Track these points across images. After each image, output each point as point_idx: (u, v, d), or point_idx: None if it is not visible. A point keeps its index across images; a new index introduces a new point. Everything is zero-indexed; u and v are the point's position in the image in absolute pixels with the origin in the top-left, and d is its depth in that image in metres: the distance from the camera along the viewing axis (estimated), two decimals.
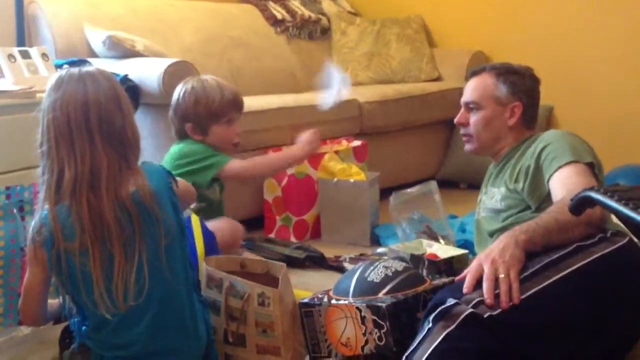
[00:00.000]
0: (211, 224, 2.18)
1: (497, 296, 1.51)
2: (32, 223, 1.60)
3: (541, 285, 1.52)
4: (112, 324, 1.58)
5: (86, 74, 1.61)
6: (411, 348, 1.49)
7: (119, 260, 1.56)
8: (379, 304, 1.64)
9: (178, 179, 1.75)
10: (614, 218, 1.68)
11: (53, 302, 1.75)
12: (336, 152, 3.12)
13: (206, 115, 2.32)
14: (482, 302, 1.49)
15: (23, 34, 3.10)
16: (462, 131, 2.16)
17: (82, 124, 1.56)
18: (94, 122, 1.56)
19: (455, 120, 2.17)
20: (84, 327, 1.63)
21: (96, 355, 1.62)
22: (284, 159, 2.51)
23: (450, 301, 1.48)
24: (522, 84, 2.11)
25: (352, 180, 2.98)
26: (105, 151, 1.56)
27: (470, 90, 2.14)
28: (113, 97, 1.61)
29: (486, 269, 1.52)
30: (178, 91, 2.38)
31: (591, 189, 1.43)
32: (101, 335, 1.61)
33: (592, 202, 1.42)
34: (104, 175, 1.55)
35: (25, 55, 2.55)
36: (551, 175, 1.88)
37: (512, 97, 2.09)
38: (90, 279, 1.56)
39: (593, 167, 1.86)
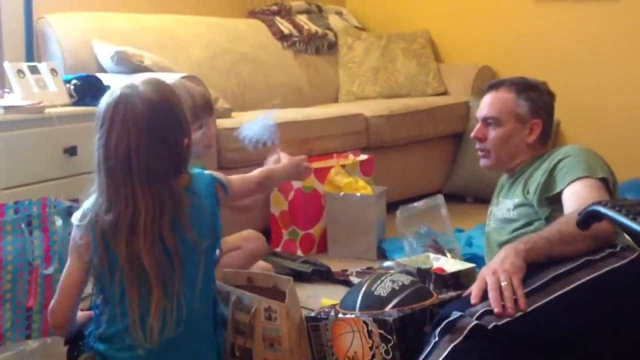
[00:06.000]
0: (236, 236, 2.13)
1: (504, 306, 1.50)
2: (75, 215, 1.60)
3: (548, 298, 1.52)
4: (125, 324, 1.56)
5: (131, 115, 1.52)
6: None
7: (157, 298, 1.54)
8: (386, 318, 1.64)
9: (229, 177, 1.72)
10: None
11: (80, 314, 1.73)
12: (343, 166, 3.12)
13: None
14: (486, 312, 1.48)
15: (32, 49, 3.11)
16: (478, 146, 2.13)
17: (125, 171, 1.53)
18: (134, 169, 1.52)
19: (472, 134, 2.13)
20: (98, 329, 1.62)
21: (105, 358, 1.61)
22: None
23: (455, 314, 1.48)
24: (541, 101, 2.08)
25: (358, 194, 2.99)
26: (144, 197, 1.53)
27: (490, 105, 2.09)
28: (156, 136, 1.54)
29: (489, 280, 1.52)
30: None
31: (598, 203, 1.43)
32: (113, 340, 1.59)
33: (600, 216, 1.41)
34: (142, 222, 1.53)
35: (34, 70, 2.56)
36: (563, 190, 1.88)
37: (532, 114, 2.06)
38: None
39: (607, 183, 1.85)
